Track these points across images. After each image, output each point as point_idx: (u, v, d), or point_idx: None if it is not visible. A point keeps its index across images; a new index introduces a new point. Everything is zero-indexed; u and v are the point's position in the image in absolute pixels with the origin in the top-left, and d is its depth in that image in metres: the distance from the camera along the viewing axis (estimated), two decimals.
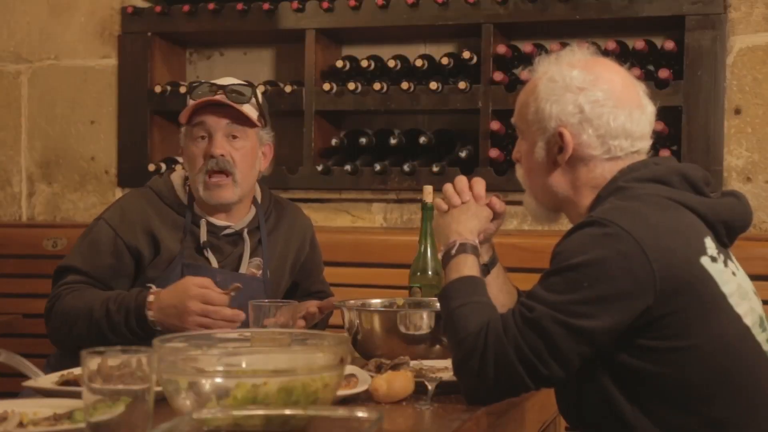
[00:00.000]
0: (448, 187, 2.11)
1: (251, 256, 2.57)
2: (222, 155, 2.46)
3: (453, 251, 1.99)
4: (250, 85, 2.54)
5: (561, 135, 1.88)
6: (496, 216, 2.13)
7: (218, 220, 2.54)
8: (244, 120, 2.49)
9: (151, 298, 2.31)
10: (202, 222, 2.52)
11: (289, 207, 2.76)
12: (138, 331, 2.31)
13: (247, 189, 2.54)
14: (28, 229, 3.90)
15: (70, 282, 2.43)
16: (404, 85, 3.60)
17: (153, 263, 2.47)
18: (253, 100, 2.52)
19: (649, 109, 1.93)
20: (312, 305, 2.45)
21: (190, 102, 2.51)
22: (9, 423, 1.55)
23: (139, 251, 2.46)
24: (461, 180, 2.12)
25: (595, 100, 1.86)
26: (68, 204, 4.12)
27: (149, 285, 2.42)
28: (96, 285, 2.44)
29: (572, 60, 1.92)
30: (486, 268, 2.11)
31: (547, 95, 1.89)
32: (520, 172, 2.02)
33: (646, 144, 1.92)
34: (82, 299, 2.39)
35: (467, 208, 2.08)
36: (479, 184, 2.11)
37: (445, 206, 2.10)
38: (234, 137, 2.49)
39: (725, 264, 1.82)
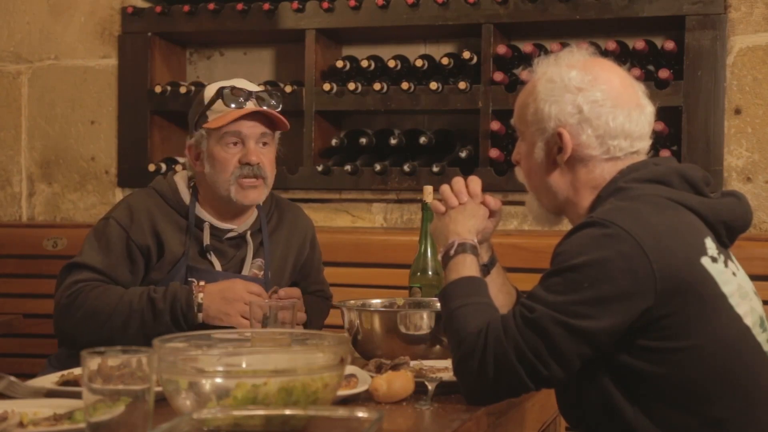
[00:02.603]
0: (445, 188, 2.11)
1: (253, 257, 2.57)
2: (257, 163, 2.48)
3: (452, 252, 1.99)
4: (280, 90, 2.57)
5: (560, 135, 1.88)
6: (492, 214, 2.13)
7: (221, 223, 2.54)
8: (274, 127, 2.53)
9: (202, 282, 2.39)
10: (206, 225, 2.52)
11: (291, 207, 2.76)
12: (181, 319, 2.34)
13: (269, 191, 2.58)
14: (28, 229, 3.89)
15: (87, 279, 2.41)
16: (404, 85, 3.60)
17: (157, 265, 2.47)
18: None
19: (648, 109, 1.92)
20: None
21: (219, 105, 2.47)
22: (9, 423, 1.55)
23: (149, 251, 2.47)
24: (458, 181, 2.12)
25: (593, 101, 1.86)
26: (68, 204, 4.12)
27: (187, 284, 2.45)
28: (112, 284, 2.43)
29: (571, 60, 1.92)
30: (485, 269, 2.11)
31: (546, 96, 1.89)
32: (520, 174, 2.02)
33: (645, 144, 1.92)
34: (116, 294, 2.38)
35: (463, 208, 2.08)
36: (474, 182, 2.12)
37: (442, 208, 2.10)
38: (264, 144, 2.52)
39: (725, 264, 1.81)
